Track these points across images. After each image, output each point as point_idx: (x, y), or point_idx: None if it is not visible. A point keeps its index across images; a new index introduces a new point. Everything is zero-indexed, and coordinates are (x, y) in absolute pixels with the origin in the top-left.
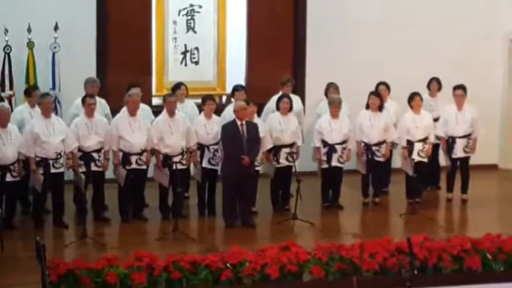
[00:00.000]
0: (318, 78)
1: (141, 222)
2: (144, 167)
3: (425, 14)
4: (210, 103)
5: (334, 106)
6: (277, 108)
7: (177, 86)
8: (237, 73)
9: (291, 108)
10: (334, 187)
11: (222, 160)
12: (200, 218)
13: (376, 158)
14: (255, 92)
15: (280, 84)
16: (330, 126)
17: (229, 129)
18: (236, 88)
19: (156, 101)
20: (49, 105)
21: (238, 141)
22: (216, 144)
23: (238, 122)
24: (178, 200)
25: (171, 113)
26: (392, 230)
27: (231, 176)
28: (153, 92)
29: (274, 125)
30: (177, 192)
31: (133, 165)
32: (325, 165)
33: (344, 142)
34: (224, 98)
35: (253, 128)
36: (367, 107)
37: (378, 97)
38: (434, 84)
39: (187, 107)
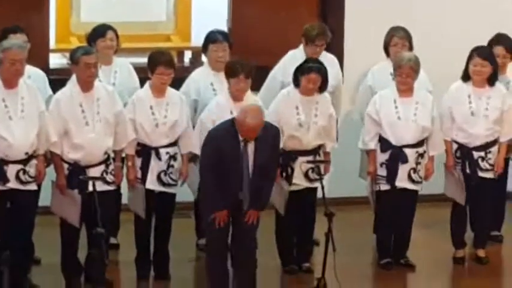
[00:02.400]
0: (365, 23)
1: None
2: (32, 186)
3: None
4: (164, 71)
5: (405, 73)
6: (296, 83)
7: (100, 32)
8: (211, 10)
9: (322, 87)
10: (400, 228)
11: (201, 196)
12: (140, 284)
13: (481, 174)
14: (245, 47)
15: (304, 38)
16: (395, 112)
17: (219, 145)
18: (212, 37)
19: (55, 60)
20: None
21: (235, 171)
22: (173, 145)
23: (241, 137)
24: (98, 250)
25: (87, 86)
26: None
27: (217, 235)
28: (52, 43)
29: (286, 114)
30: (95, 236)
31: (11, 183)
32: (386, 186)
33: (422, 143)
34: (188, 57)
35: (267, 140)
36: (466, 77)
37: (487, 61)
38: None
39: (116, 73)
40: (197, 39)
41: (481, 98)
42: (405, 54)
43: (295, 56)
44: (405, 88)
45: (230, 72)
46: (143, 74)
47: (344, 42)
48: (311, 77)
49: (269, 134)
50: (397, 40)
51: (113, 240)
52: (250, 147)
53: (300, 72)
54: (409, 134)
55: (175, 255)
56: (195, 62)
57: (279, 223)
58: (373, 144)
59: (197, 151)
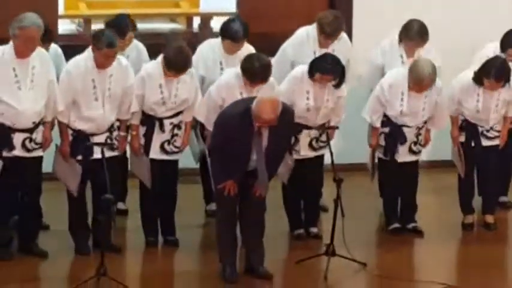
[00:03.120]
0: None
1: (34, 259)
2: (39, 153)
3: None
4: (174, 74)
5: (425, 86)
6: (311, 73)
7: (119, 33)
8: None
9: (338, 84)
10: (405, 195)
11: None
12: (148, 250)
13: (486, 143)
14: (254, 13)
15: (319, 29)
16: (399, 106)
17: (232, 132)
18: (232, 35)
19: (64, 26)
20: None
21: (243, 155)
22: (177, 115)
23: (256, 125)
24: (107, 216)
25: (104, 67)
26: None
27: (226, 203)
28: (60, 9)
29: (296, 97)
30: (104, 202)
31: (17, 151)
32: (382, 156)
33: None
34: (197, 23)
35: (282, 128)
36: (478, 80)
37: (502, 81)
38: None
39: (128, 57)
40: (206, 5)
41: (493, 96)
42: (424, 68)
43: (308, 35)
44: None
45: (249, 75)
46: (153, 41)
47: (352, 19)
48: (327, 77)
49: (285, 119)
50: (411, 44)
51: (121, 206)
52: (265, 132)
53: (315, 68)
54: (414, 122)
55: (184, 220)
56: (204, 29)
57: (286, 189)
58: (378, 123)
59: (201, 118)
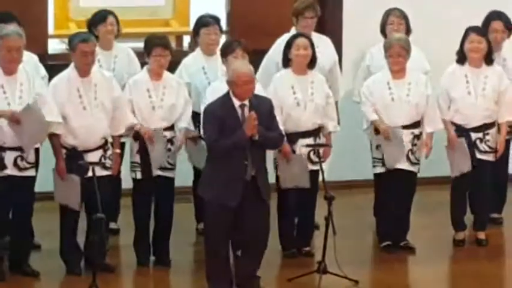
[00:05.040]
0: (363, 5)
1: (23, 280)
2: (31, 172)
3: None
4: (160, 53)
5: (397, 54)
6: (285, 62)
7: (101, 18)
8: None
9: (313, 62)
10: (399, 211)
11: (205, 172)
12: (140, 269)
13: (480, 156)
14: (243, 30)
15: (293, 15)
16: (389, 94)
17: (218, 114)
18: (204, 21)
19: (54, 45)
20: None
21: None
22: (170, 129)
23: (237, 103)
24: (99, 235)
25: (84, 71)
26: None
27: (223, 206)
28: (50, 29)
29: (283, 94)
30: (95, 221)
31: (9, 170)
32: (381, 169)
33: (417, 124)
34: (187, 41)
35: (263, 107)
36: (462, 58)
37: (484, 37)
38: None
39: (117, 58)
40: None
41: (479, 77)
42: (395, 34)
43: (287, 36)
44: (397, 68)
45: (227, 49)
46: (143, 59)
47: (343, 25)
48: (299, 42)
49: (262, 101)
50: (393, 18)
51: (113, 225)
52: (247, 113)
53: (287, 46)
54: (403, 115)
55: (175, 239)
56: (194, 46)
57: (281, 207)
58: (375, 115)
59: (189, 126)
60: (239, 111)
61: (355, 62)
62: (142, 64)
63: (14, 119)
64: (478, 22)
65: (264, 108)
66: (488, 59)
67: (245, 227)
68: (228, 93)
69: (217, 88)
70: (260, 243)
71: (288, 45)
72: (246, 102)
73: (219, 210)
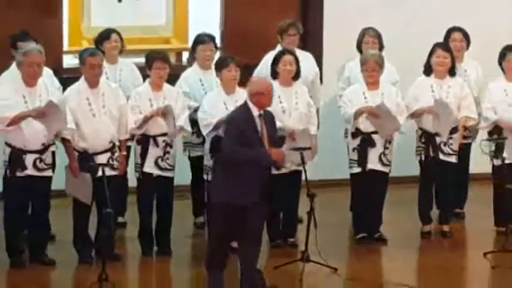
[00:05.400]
0: (342, 25)
1: (42, 268)
2: (48, 172)
3: None
4: (159, 66)
5: (372, 68)
6: (274, 75)
7: (105, 35)
8: (206, 15)
9: (297, 75)
10: (373, 207)
11: (215, 176)
12: (145, 259)
13: (444, 157)
14: (236, 47)
15: (278, 33)
16: (365, 103)
17: (242, 127)
18: (200, 39)
19: (69, 61)
20: None
21: (257, 142)
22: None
23: (256, 113)
24: (108, 229)
25: (93, 83)
26: (471, 280)
27: (237, 206)
28: (65, 45)
29: (272, 104)
30: (105, 216)
31: (29, 170)
32: (357, 169)
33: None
34: (186, 56)
35: (269, 117)
36: (428, 70)
37: (448, 53)
38: None
39: (121, 71)
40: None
41: (443, 87)
42: (370, 51)
43: (273, 55)
44: (372, 81)
45: (221, 63)
46: (145, 73)
47: (323, 42)
48: (286, 58)
49: (268, 112)
50: (368, 38)
51: (120, 219)
52: (263, 124)
53: (275, 61)
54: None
55: (175, 232)
56: (192, 61)
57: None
58: (353, 110)
59: (185, 125)
60: (257, 120)
61: (334, 75)
62: (145, 77)
63: (40, 114)
64: (439, 37)
65: (270, 118)
66: (452, 72)
67: (250, 223)
68: (246, 104)
69: (212, 97)
70: (260, 236)
71: (276, 60)
72: (262, 112)
73: (232, 209)
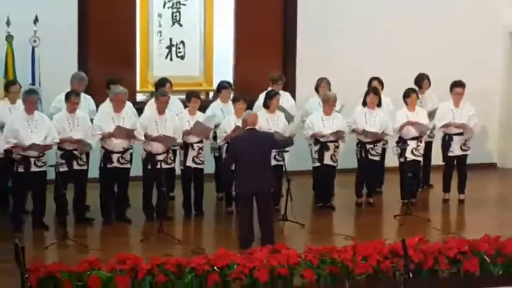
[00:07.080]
0: (308, 73)
1: (124, 224)
2: (127, 165)
3: (419, 10)
4: (194, 100)
5: (329, 104)
6: (265, 106)
7: (162, 83)
8: (224, 68)
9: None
10: (327, 187)
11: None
12: (186, 219)
13: (371, 157)
14: (243, 88)
15: (271, 81)
16: (323, 126)
17: (237, 145)
18: (222, 85)
19: (140, 97)
20: (33, 103)
21: (251, 156)
22: (201, 142)
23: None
24: (163, 200)
25: (161, 111)
26: (387, 232)
27: (253, 194)
28: (137, 87)
29: (261, 124)
30: (162, 192)
31: (115, 164)
32: (317, 164)
33: (337, 140)
34: (211, 94)
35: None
36: (364, 103)
37: (376, 95)
38: (426, 82)
39: (172, 104)
40: (216, 83)
41: (372, 114)
42: (330, 93)
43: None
44: (329, 111)
45: (235, 99)
46: (185, 104)
47: (296, 84)
48: (276, 97)
49: (265, 133)
50: (323, 85)
51: (171, 194)
52: (256, 140)
53: (269, 97)
54: (330, 137)
55: (204, 202)
56: (216, 97)
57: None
58: (311, 132)
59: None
60: (249, 137)
61: (302, 104)
62: (185, 107)
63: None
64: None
65: (264, 134)
66: (379, 103)
67: (261, 205)
68: (242, 128)
69: (229, 120)
70: (272, 215)
71: (269, 96)
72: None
73: (251, 197)
